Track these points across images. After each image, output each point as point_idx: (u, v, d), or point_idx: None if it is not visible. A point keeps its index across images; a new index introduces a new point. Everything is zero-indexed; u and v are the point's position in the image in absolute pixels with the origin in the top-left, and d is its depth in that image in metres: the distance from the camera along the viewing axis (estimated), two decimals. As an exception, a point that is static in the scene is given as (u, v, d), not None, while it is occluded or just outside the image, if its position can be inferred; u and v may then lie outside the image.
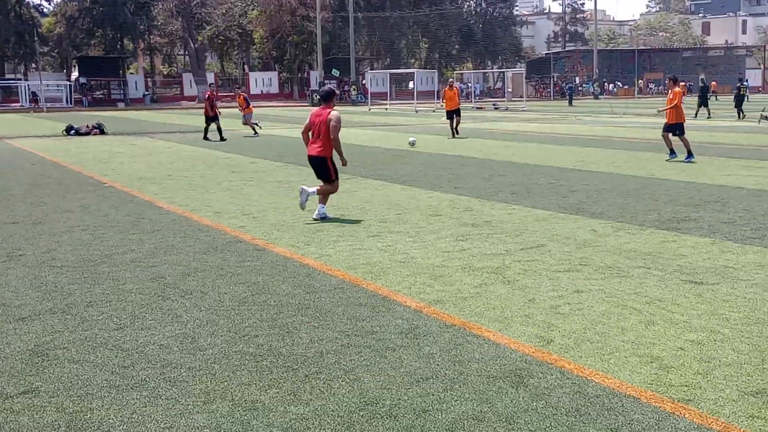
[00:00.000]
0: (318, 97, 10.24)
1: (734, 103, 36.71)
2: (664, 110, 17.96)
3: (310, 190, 10.20)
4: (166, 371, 4.79)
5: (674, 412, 4.15)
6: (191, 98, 68.49)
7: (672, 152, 17.42)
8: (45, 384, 4.59)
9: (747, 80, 39.91)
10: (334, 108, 10.22)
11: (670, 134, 17.47)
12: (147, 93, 69.49)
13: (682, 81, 48.78)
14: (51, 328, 5.66)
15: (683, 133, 17.33)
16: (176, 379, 4.66)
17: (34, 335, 5.49)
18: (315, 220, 10.06)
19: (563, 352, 5.08)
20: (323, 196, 10.22)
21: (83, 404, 4.30)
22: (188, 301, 6.34)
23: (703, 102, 36.94)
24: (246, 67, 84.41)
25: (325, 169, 10.16)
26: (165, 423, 4.06)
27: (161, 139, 26.13)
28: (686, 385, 4.51)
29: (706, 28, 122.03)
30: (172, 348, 5.21)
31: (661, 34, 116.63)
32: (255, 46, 79.75)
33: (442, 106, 27.06)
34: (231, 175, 15.47)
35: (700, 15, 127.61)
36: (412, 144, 21.77)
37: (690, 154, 16.99)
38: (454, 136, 25.32)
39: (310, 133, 10.30)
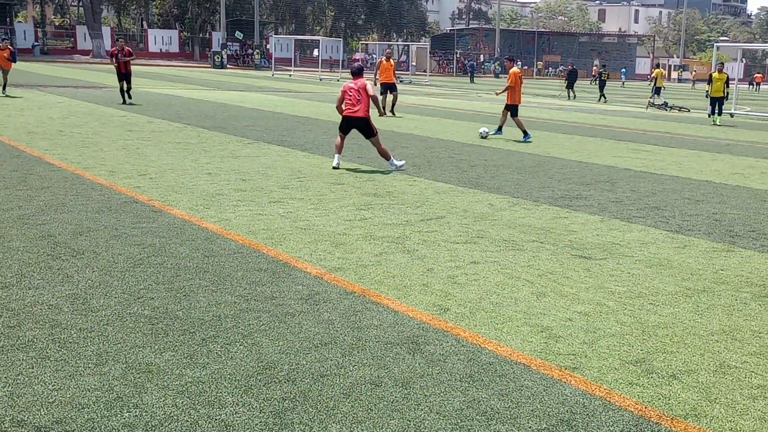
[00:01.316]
0: (351, 71, 12.30)
1: (598, 87, 40.08)
2: (502, 92, 17.77)
3: (398, 162, 12.14)
4: (55, 332, 4.63)
5: (561, 379, 4.33)
6: (85, 52, 65.65)
7: (499, 129, 17.88)
8: (-77, 342, 4.36)
9: (605, 65, 43.56)
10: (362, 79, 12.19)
11: (510, 113, 17.48)
12: (36, 44, 66.06)
13: (578, 66, 50.45)
14: (-71, 284, 5.37)
15: (515, 114, 17.30)
16: (66, 341, 4.51)
17: None
18: (396, 169, 11.94)
19: (459, 321, 5.21)
20: (384, 154, 12.03)
21: (-35, 364, 4.11)
22: (80, 261, 6.12)
23: (601, 87, 39.54)
24: (144, 23, 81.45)
25: (368, 127, 11.92)
26: (54, 384, 3.92)
27: (52, 93, 24.98)
28: (573, 354, 4.71)
29: (602, 15, 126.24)
30: (62, 309, 5.04)
31: (560, 17, 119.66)
32: (155, 2, 77.03)
33: (376, 79, 23.59)
34: (127, 133, 14.97)
35: (597, 2, 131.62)
36: (484, 135, 17.68)
37: (525, 134, 17.03)
38: (386, 113, 22.27)
39: (344, 103, 11.99)
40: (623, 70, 69.22)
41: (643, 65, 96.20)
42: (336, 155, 11.99)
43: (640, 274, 6.60)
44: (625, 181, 11.89)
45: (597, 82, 41.12)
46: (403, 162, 12.21)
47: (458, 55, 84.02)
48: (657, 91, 36.19)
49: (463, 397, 4.05)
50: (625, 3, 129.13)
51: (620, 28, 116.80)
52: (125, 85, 22.40)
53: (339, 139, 12.12)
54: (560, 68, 63.75)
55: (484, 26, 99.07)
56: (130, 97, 22.66)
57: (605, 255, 7.19)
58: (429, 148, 15.02)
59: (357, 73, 12.32)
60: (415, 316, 5.25)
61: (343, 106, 12.02)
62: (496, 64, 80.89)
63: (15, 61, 23.69)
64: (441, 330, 5.02)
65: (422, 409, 3.90)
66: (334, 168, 11.76)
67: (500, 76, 76.17)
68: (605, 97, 39.14)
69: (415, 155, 13.83)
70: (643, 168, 13.50)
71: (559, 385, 4.26)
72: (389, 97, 23.19)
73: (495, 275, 6.34)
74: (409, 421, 3.77)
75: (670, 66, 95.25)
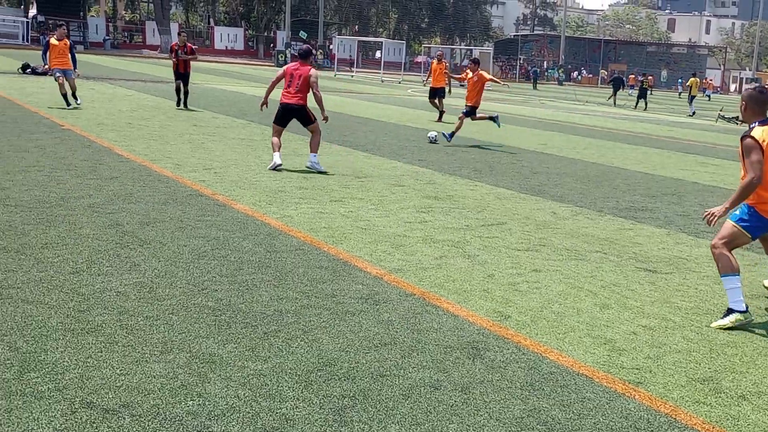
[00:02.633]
0: (296, 53, 11.54)
1: (637, 95, 41.12)
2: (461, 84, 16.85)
3: (278, 160, 10.96)
4: (122, 318, 4.73)
5: (625, 393, 4.25)
6: (153, 47, 67.09)
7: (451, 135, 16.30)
8: (-2, 322, 4.50)
9: (651, 75, 44.85)
10: (312, 66, 11.30)
11: (469, 117, 16.49)
12: (108, 38, 67.79)
13: (650, 74, 50.37)
14: (4, 266, 5.53)
15: (469, 115, 16.36)
16: (133, 327, 4.60)
17: (-13, 273, 5.37)
18: (316, 169, 10.95)
19: (520, 328, 5.15)
20: (315, 147, 11.16)
21: (37, 345, 4.22)
22: (147, 251, 6.25)
23: (642, 95, 40.39)
24: (211, 20, 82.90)
25: (305, 114, 11.18)
26: (121, 369, 4.01)
27: (121, 86, 25.59)
28: (637, 368, 4.61)
29: (671, 25, 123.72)
30: (129, 296, 5.14)
31: (627, 26, 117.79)
32: (222, 0, 78.30)
33: (426, 83, 23.05)
34: (192, 128, 15.23)
35: (667, 11, 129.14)
36: (433, 139, 16.30)
37: (452, 135, 16.05)
38: (441, 119, 21.67)
39: (281, 82, 11.32)
40: (680, 80, 67.77)
41: (714, 77, 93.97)
42: (275, 154, 10.92)
43: (707, 290, 6.44)
44: (693, 194, 11.62)
45: (638, 91, 41.99)
46: (324, 169, 10.97)
47: (521, 61, 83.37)
48: (691, 100, 37.38)
49: (524, 406, 4.01)
50: (696, 13, 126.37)
51: (690, 39, 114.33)
52: (182, 87, 19.03)
53: (275, 134, 11.17)
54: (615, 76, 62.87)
55: (549, 33, 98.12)
56: (186, 104, 19.22)
57: (671, 269, 7.03)
58: (490, 153, 14.93)
59: (303, 57, 11.28)
60: (476, 322, 5.22)
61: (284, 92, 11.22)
62: (560, 71, 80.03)
63: (75, 61, 17.52)
64: (501, 337, 4.97)
65: (482, 415, 3.87)
66: (273, 169, 10.75)
67: (563, 83, 75.29)
68: (646, 105, 39.92)
69: (476, 160, 13.75)
70: (712, 182, 13.18)
71: (622, 399, 4.18)
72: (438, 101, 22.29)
73: (557, 284, 6.25)
74: (469, 426, 3.75)
75: (741, 79, 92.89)
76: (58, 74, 16.80)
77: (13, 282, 5.22)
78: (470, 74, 16.61)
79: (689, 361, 4.80)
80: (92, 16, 76.77)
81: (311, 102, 11.28)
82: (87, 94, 21.21)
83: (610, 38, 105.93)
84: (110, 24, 75.55)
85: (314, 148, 11.16)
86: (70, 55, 17.13)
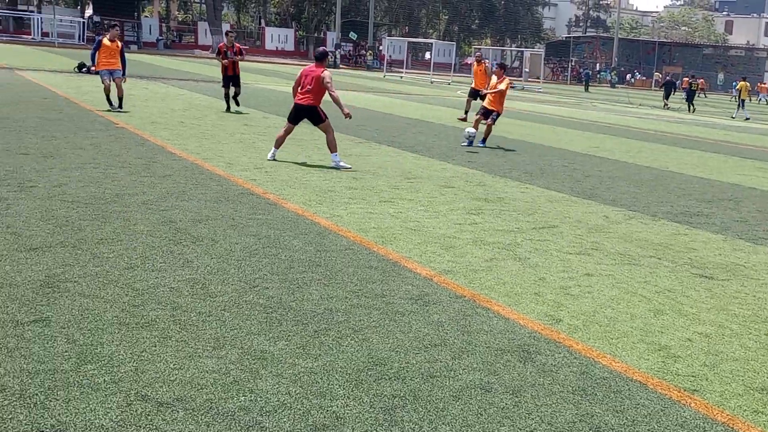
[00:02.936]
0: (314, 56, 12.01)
1: (685, 98, 40.74)
2: (489, 92, 15.96)
3: (338, 160, 11.41)
4: (176, 314, 4.80)
5: (680, 401, 4.16)
6: (205, 47, 68.04)
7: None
8: (56, 315, 4.59)
9: (695, 76, 44.66)
10: (326, 68, 11.51)
11: (484, 118, 15.80)
12: (161, 38, 68.96)
13: (701, 77, 49.75)
14: (62, 261, 5.65)
15: (494, 121, 15.80)
16: (186, 323, 4.66)
17: (45, 266, 5.48)
18: (338, 167, 11.19)
19: (571, 332, 5.09)
20: (331, 145, 11.37)
21: (93, 338, 4.30)
22: (199, 248, 6.33)
23: (689, 97, 40.22)
24: (262, 21, 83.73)
25: (315, 114, 11.38)
26: (174, 364, 4.06)
27: (174, 86, 25.98)
28: (693, 376, 4.52)
29: (729, 27, 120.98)
30: (182, 292, 5.21)
31: (683, 28, 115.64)
32: (273, 1, 79.06)
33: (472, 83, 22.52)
34: (243, 127, 15.40)
35: (724, 13, 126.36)
36: (470, 136, 15.57)
37: (484, 141, 15.61)
38: (466, 118, 21.17)
39: (299, 87, 11.54)
40: (734, 84, 66.13)
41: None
42: (273, 149, 11.54)
43: (766, 297, 6.27)
44: (751, 200, 11.35)
45: (685, 93, 41.94)
46: (349, 165, 11.33)
47: (573, 63, 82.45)
48: (742, 104, 36.96)
49: (575, 410, 3.95)
50: (755, 15, 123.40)
51: (748, 41, 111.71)
52: (233, 90, 18.34)
53: (283, 131, 11.63)
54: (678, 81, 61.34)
55: (601, 34, 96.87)
56: (237, 104, 18.75)
57: (728, 276, 6.87)
58: (541, 156, 14.79)
59: (318, 59, 11.52)
60: (526, 325, 5.16)
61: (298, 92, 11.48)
62: (612, 73, 78.95)
63: (125, 64, 16.77)
64: (553, 340, 4.91)
65: (533, 419, 3.82)
66: (268, 160, 11.32)
67: (616, 86, 74.25)
68: (693, 107, 39.70)
69: (527, 162, 13.63)
70: (769, 188, 12.86)
71: (677, 406, 4.09)
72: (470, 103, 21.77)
73: (610, 289, 6.16)
74: (520, 429, 3.71)
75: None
76: (105, 76, 16.44)
77: (70, 276, 5.33)
78: (494, 79, 16.23)
79: (747, 369, 4.68)
80: (146, 16, 78.18)
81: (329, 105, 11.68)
82: (141, 93, 21.60)
83: (664, 40, 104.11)
84: (163, 24, 76.84)
85: (332, 147, 11.39)
86: (120, 57, 16.58)
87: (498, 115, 15.84)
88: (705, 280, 6.64)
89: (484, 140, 15.60)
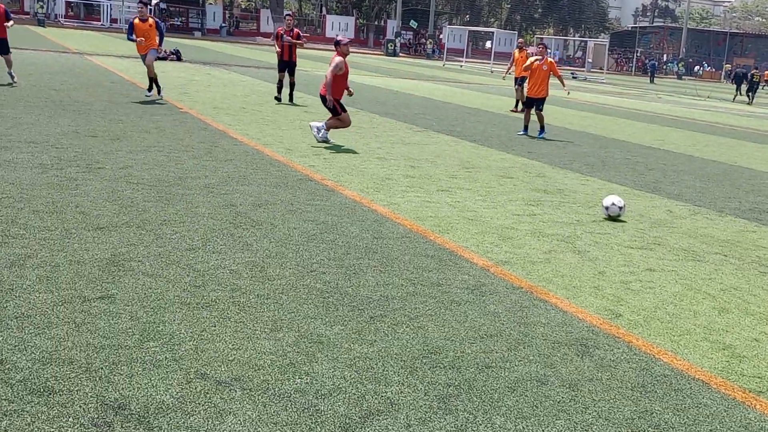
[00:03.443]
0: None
1: (747, 89, 41.18)
2: (531, 64, 15.02)
3: (318, 124, 11.84)
4: (235, 295, 4.86)
5: (744, 402, 4.05)
6: (267, 35, 68.62)
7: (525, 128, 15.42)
8: (120, 292, 4.71)
9: (758, 67, 44.17)
10: (340, 54, 11.63)
11: (533, 109, 15.17)
12: (224, 25, 69.80)
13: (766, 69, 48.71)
14: (127, 240, 5.78)
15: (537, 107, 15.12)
16: (245, 304, 4.73)
17: (111, 246, 5.62)
18: (318, 140, 11.70)
19: (632, 328, 4.99)
20: (330, 123, 11.75)
21: (156, 316, 4.39)
22: (258, 232, 6.40)
23: (750, 88, 40.94)
24: (324, 9, 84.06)
25: (324, 103, 11.61)
26: (233, 344, 4.12)
27: (236, 72, 26.29)
28: (759, 377, 4.39)
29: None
30: (241, 274, 5.28)
31: (757, 18, 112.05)
32: (336, -11, 79.25)
33: (506, 75, 24.22)
34: (303, 114, 15.50)
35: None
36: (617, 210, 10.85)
37: (542, 130, 15.16)
38: (517, 109, 20.81)
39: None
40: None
41: None
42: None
43: (836, 298, 6.06)
44: (821, 197, 10.96)
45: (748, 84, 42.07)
46: (322, 137, 11.70)
47: (638, 54, 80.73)
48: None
49: (635, 407, 3.88)
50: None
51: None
52: (288, 78, 17.19)
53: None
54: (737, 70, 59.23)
55: (669, 24, 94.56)
56: (291, 98, 17.42)
57: (796, 275, 6.66)
58: (603, 148, 14.53)
59: (335, 45, 11.84)
60: (585, 318, 5.09)
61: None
62: (680, 65, 77.05)
63: (162, 37, 15.39)
64: (612, 335, 4.83)
65: (590, 413, 3.77)
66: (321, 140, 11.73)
67: (683, 77, 72.48)
68: (752, 98, 40.34)
69: (588, 154, 13.42)
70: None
71: (742, 407, 3.98)
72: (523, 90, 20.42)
73: (672, 285, 6.02)
74: (576, 423, 3.66)
75: None
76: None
77: (134, 255, 5.45)
78: (532, 60, 15.00)
79: (816, 372, 4.53)
80: (210, 3, 79.21)
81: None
82: (203, 79, 21.92)
83: (736, 31, 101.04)
84: (227, 11, 77.75)
85: (328, 123, 11.74)
86: (158, 32, 15.19)
87: (543, 100, 15.11)
88: (772, 279, 6.44)
89: (542, 130, 15.22)
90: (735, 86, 42.61)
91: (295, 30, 17.11)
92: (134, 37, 14.98)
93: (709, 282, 6.20)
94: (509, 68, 21.87)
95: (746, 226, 8.52)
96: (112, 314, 4.34)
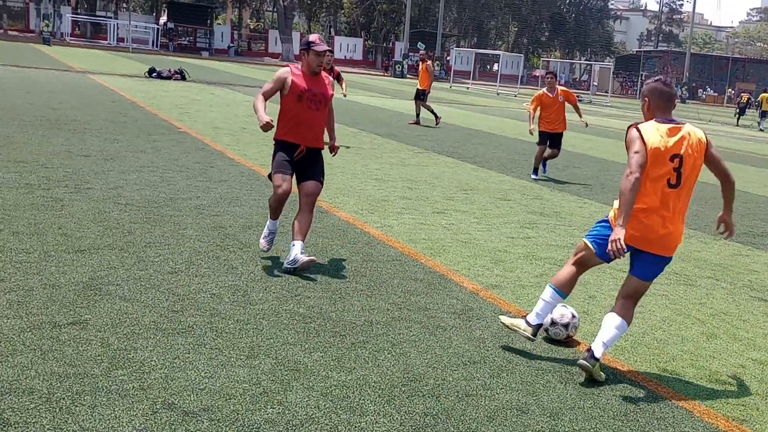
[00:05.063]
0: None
1: (736, 112, 42.64)
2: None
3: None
4: (214, 321, 4.79)
5: (727, 430, 3.95)
6: (275, 55, 69.06)
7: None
8: (94, 318, 4.62)
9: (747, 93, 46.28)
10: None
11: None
12: (232, 45, 70.25)
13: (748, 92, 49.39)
14: (107, 263, 5.71)
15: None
16: (223, 330, 4.65)
17: (90, 268, 5.55)
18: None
19: (618, 354, 4.90)
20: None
21: (128, 342, 4.31)
22: (245, 254, 6.33)
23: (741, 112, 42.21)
24: (333, 30, 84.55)
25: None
26: (206, 372, 4.04)
27: (241, 92, 26.36)
28: (743, 405, 4.29)
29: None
30: (223, 298, 5.21)
31: (759, 44, 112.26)
32: (343, 11, 79.80)
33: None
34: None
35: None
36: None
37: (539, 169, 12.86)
38: (417, 121, 20.71)
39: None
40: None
41: None
42: None
43: (830, 325, 5.95)
44: (819, 221, 10.86)
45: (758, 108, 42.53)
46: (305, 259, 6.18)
47: (643, 77, 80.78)
48: (763, 115, 38.39)
49: (615, 438, 3.78)
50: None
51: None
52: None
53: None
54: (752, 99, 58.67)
55: (673, 49, 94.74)
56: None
57: (790, 300, 6.56)
58: (603, 171, 14.46)
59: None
60: (572, 344, 4.99)
61: None
62: (683, 89, 77.00)
63: None
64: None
65: (569, 445, 3.67)
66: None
67: (686, 101, 72.43)
68: (738, 120, 41.23)
69: (588, 176, 13.35)
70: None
71: (724, 438, 3.89)
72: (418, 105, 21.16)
73: (662, 310, 5.93)
74: (554, 455, 3.56)
75: None
76: None
77: (113, 279, 5.38)
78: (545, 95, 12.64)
79: (804, 402, 4.43)
80: (219, 24, 79.75)
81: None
82: (206, 98, 21.97)
83: (738, 56, 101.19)
84: (235, 32, 78.26)
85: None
86: None
87: (561, 135, 12.88)
88: (764, 304, 6.35)
89: (544, 166, 12.97)
90: (738, 112, 42.86)
91: (335, 69, 14.04)
92: None
93: (699, 307, 6.11)
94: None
95: (740, 250, 8.42)
96: (81, 341, 4.26)
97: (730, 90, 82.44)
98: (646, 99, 4.66)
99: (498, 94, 49.04)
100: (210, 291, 5.33)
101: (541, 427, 3.82)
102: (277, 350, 4.43)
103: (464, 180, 11.60)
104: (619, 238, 4.29)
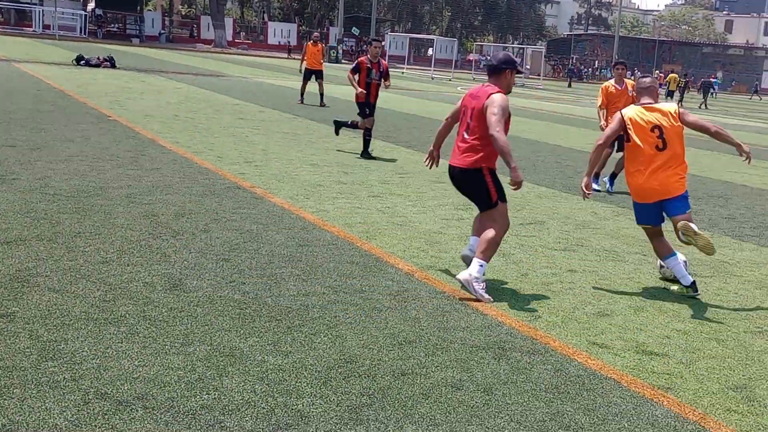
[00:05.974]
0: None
1: (665, 94, 43.00)
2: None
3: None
4: (147, 309, 4.73)
5: (653, 399, 4.10)
6: (208, 42, 67.87)
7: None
8: (22, 310, 4.52)
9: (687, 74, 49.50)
10: (500, 90, 6.10)
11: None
12: (163, 32, 68.76)
13: (701, 77, 51.36)
14: (35, 255, 5.58)
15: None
16: (156, 319, 4.60)
17: (17, 260, 5.41)
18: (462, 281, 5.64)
19: (549, 329, 5.03)
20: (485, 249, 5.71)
21: (58, 334, 4.23)
22: (179, 242, 6.27)
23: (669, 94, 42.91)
24: (266, 16, 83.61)
25: (479, 187, 6.23)
26: (139, 361, 4.00)
27: (172, 79, 25.89)
28: (668, 374, 4.46)
29: (728, 26, 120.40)
30: (156, 287, 5.15)
31: (683, 27, 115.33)
32: (276, -4, 78.93)
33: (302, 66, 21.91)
34: (238, 121, 15.33)
35: (724, 12, 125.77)
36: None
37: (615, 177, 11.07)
38: (302, 101, 20.88)
39: (455, 126, 6.90)
40: (715, 81, 63.84)
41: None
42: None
43: (748, 295, 6.22)
44: (741, 198, 11.27)
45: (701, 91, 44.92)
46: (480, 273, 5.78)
47: (574, 60, 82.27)
48: (670, 94, 40.10)
49: (547, 409, 3.89)
50: (754, 14, 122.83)
51: (747, 41, 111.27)
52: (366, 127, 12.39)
53: None
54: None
55: (602, 32, 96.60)
56: (367, 147, 12.31)
57: (712, 273, 6.82)
58: (535, 152, 14.71)
59: (493, 72, 6.23)
60: (505, 321, 5.11)
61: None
62: (612, 71, 78.71)
63: None
64: (530, 337, 4.86)
65: (502, 417, 3.77)
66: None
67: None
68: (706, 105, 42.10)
69: (520, 158, 13.53)
70: (762, 185, 12.78)
71: (650, 404, 4.03)
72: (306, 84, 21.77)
73: (592, 285, 6.10)
74: (488, 428, 3.65)
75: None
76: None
77: (42, 270, 5.27)
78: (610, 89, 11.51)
79: (723, 367, 4.62)
80: (149, 10, 78.00)
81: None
82: (137, 86, 21.52)
83: (664, 38, 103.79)
84: (166, 18, 76.65)
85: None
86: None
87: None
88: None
89: (613, 178, 10.97)
90: (702, 96, 44.21)
91: (383, 63, 12.56)
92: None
93: (627, 281, 6.30)
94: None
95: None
96: (9, 333, 4.16)
97: (657, 72, 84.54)
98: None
99: (433, 78, 49.29)
100: (143, 280, 5.26)
101: (476, 402, 3.90)
102: (212, 337, 4.41)
103: (400, 164, 11.67)
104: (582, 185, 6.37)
